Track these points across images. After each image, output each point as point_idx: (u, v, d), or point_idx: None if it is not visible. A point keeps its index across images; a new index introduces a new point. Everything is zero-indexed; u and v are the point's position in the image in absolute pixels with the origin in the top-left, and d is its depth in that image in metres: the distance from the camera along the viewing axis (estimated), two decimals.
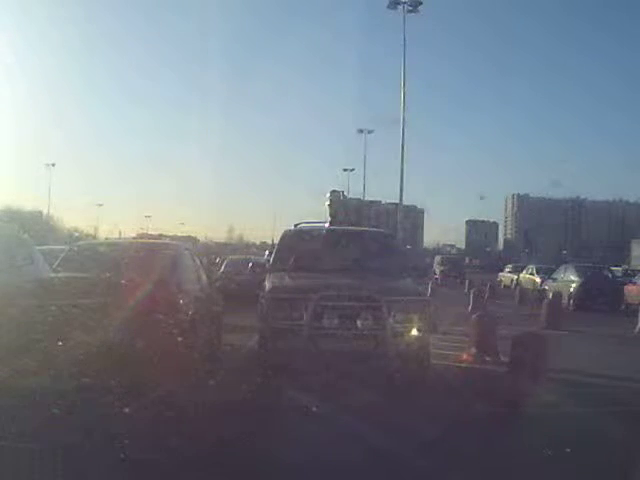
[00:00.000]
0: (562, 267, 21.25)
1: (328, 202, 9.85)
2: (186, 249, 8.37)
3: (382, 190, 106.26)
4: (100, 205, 63.08)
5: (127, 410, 4.45)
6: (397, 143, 26.70)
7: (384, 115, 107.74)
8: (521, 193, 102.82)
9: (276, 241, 10.27)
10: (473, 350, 8.15)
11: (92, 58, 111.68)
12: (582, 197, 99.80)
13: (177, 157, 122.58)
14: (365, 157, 49.25)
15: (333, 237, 8.25)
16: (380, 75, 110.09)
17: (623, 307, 18.07)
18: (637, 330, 12.64)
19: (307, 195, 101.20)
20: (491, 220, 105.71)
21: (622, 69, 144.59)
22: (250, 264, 10.19)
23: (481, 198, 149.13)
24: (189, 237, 51.35)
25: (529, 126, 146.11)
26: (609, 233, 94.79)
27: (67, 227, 47.75)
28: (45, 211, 51.49)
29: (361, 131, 46.35)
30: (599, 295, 17.91)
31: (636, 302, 16.91)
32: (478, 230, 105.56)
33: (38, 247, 8.96)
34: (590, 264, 27.33)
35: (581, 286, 18.35)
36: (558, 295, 16.45)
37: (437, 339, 8.94)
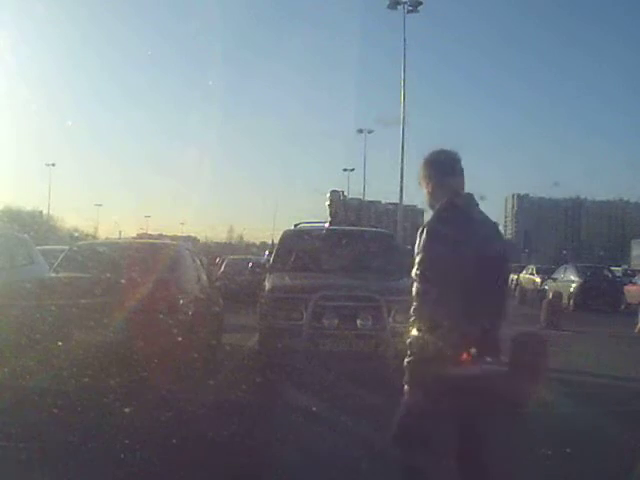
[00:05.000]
0: (562, 267, 21.25)
1: (328, 202, 9.83)
2: (186, 249, 8.37)
3: (382, 190, 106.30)
4: (100, 205, 63.05)
5: (127, 410, 4.45)
6: (397, 143, 26.67)
7: (384, 115, 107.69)
8: (521, 193, 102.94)
9: (276, 241, 10.26)
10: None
11: (92, 58, 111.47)
12: (582, 197, 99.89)
13: (177, 157, 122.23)
14: (365, 157, 49.33)
15: (333, 237, 8.24)
16: (380, 75, 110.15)
17: (623, 307, 18.08)
18: (637, 330, 12.64)
19: (307, 195, 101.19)
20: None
21: (622, 69, 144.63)
22: (250, 264, 10.19)
23: (481, 198, 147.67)
24: (189, 237, 51.32)
25: (529, 126, 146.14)
26: (609, 233, 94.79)
27: (67, 227, 47.77)
28: (45, 211, 51.51)
29: (361, 131, 46.31)
30: (599, 295, 17.93)
31: (636, 302, 16.90)
32: None
33: (38, 247, 8.99)
34: (590, 264, 27.34)
35: (581, 286, 18.35)
36: (558, 295, 16.45)
37: None
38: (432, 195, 2.72)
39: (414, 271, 2.57)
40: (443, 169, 2.71)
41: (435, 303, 2.49)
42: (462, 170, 2.73)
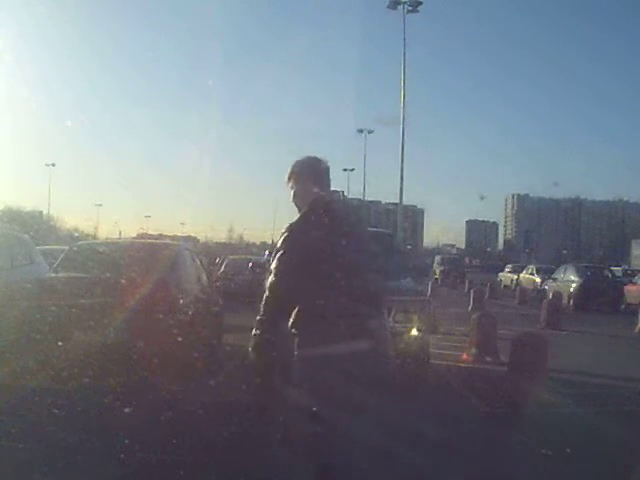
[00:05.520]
0: (562, 267, 21.24)
1: None
2: (186, 249, 8.37)
3: (382, 190, 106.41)
4: (100, 205, 63.09)
5: (127, 410, 4.45)
6: (397, 143, 26.65)
7: (384, 115, 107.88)
8: (521, 193, 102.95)
9: (276, 241, 10.23)
10: (473, 350, 8.14)
11: (92, 58, 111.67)
12: (582, 197, 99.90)
13: (177, 157, 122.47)
14: (365, 157, 49.30)
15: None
16: (380, 75, 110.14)
17: (623, 307, 18.07)
18: (637, 330, 12.64)
19: None
20: (491, 220, 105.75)
21: (622, 69, 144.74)
22: (250, 264, 10.18)
23: (481, 198, 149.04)
24: (189, 237, 51.33)
25: (529, 126, 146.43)
26: (609, 233, 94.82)
27: (67, 227, 47.84)
28: (45, 211, 51.53)
29: (361, 131, 46.31)
30: (599, 295, 17.91)
31: (636, 302, 16.92)
32: (478, 230, 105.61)
33: (38, 247, 8.99)
34: (590, 264, 27.34)
35: (581, 286, 18.34)
36: (558, 295, 16.44)
37: (437, 339, 8.93)
38: (300, 197, 2.90)
39: (273, 264, 2.74)
40: (312, 174, 2.90)
41: (283, 297, 2.69)
42: (329, 177, 2.95)
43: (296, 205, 2.92)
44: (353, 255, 2.69)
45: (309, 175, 2.89)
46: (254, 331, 2.79)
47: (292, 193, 2.93)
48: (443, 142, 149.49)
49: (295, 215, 2.87)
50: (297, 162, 2.95)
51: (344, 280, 2.63)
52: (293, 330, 2.76)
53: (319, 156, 2.99)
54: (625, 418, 5.27)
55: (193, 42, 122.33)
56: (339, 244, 2.67)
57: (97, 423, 4.31)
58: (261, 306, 2.75)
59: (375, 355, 2.79)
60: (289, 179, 2.95)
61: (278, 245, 2.77)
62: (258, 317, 2.76)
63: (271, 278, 2.73)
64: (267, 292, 2.73)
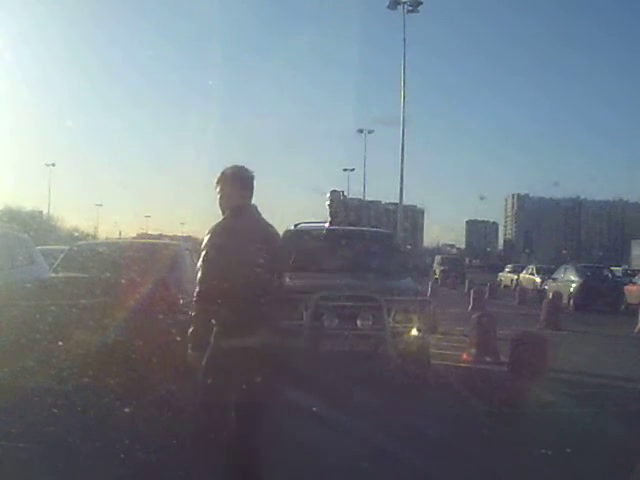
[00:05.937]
0: (562, 267, 21.24)
1: (328, 202, 9.80)
2: (186, 249, 8.36)
3: (382, 190, 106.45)
4: (100, 205, 63.04)
5: (127, 410, 4.45)
6: (397, 143, 26.59)
7: (384, 115, 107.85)
8: (521, 193, 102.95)
9: None
10: (473, 350, 8.14)
11: (92, 58, 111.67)
12: (582, 197, 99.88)
13: (177, 157, 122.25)
14: (365, 157, 49.20)
15: (333, 237, 8.23)
16: (380, 75, 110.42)
17: (623, 307, 18.07)
18: (637, 330, 12.64)
19: (307, 195, 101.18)
20: (491, 220, 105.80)
21: (622, 69, 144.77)
22: None
23: (481, 198, 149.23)
24: (189, 237, 51.16)
25: (529, 126, 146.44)
26: (609, 233, 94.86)
27: (67, 227, 47.78)
28: (45, 211, 51.46)
29: (361, 131, 46.33)
30: (599, 295, 17.91)
31: (636, 302, 16.91)
32: (478, 230, 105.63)
33: (38, 247, 8.98)
34: (590, 264, 27.34)
35: (581, 286, 18.33)
36: (558, 295, 16.44)
37: (437, 339, 8.94)
38: (224, 201, 3.18)
39: (198, 263, 3.05)
40: (238, 182, 3.19)
41: (208, 292, 2.97)
42: (253, 186, 3.24)
43: (220, 208, 3.18)
44: (257, 259, 2.97)
45: (235, 183, 3.17)
46: (190, 329, 3.03)
47: (218, 197, 3.19)
48: (443, 142, 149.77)
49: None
50: (226, 169, 3.21)
51: (246, 281, 2.90)
52: (212, 321, 3.00)
53: (246, 166, 3.25)
54: (625, 418, 5.27)
55: (193, 42, 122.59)
56: (247, 247, 2.97)
57: (97, 423, 4.31)
58: (192, 303, 3.02)
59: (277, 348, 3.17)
60: (217, 184, 3.20)
61: (202, 245, 3.04)
62: (191, 313, 3.03)
63: (199, 275, 3.01)
64: (197, 288, 3.00)
